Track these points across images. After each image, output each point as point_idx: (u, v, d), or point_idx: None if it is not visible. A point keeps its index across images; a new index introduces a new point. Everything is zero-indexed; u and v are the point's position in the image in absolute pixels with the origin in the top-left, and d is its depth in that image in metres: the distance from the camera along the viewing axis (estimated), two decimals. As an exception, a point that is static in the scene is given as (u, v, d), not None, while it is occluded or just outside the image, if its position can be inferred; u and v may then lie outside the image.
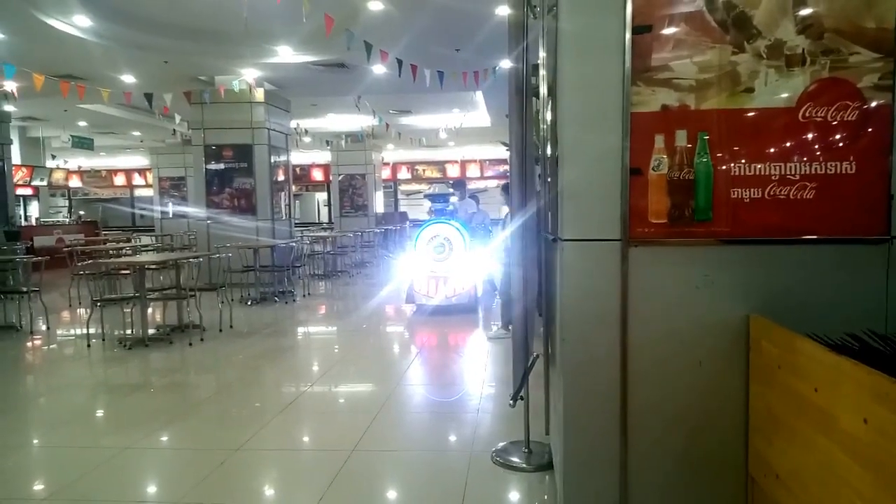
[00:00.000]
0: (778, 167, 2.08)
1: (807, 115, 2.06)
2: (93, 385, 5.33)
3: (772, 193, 2.09)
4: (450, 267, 7.90)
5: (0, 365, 5.78)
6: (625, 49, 2.12)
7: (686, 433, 2.23)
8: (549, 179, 2.70)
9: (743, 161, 2.10)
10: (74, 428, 4.15)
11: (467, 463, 3.34)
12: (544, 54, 2.79)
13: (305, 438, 4.03)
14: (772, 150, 2.09)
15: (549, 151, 2.66)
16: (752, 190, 2.10)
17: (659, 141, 2.13)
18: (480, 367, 5.53)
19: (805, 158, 2.07)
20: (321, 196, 25.06)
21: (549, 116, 2.69)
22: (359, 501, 3.01)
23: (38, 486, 3.28)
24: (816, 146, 2.06)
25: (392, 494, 3.17)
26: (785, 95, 2.07)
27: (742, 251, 2.15)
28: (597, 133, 2.19)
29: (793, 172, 2.08)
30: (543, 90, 2.82)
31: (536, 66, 3.06)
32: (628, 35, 2.11)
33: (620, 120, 2.15)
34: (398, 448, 3.74)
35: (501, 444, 3.50)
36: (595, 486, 2.30)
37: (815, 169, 2.07)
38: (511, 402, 3.10)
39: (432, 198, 9.15)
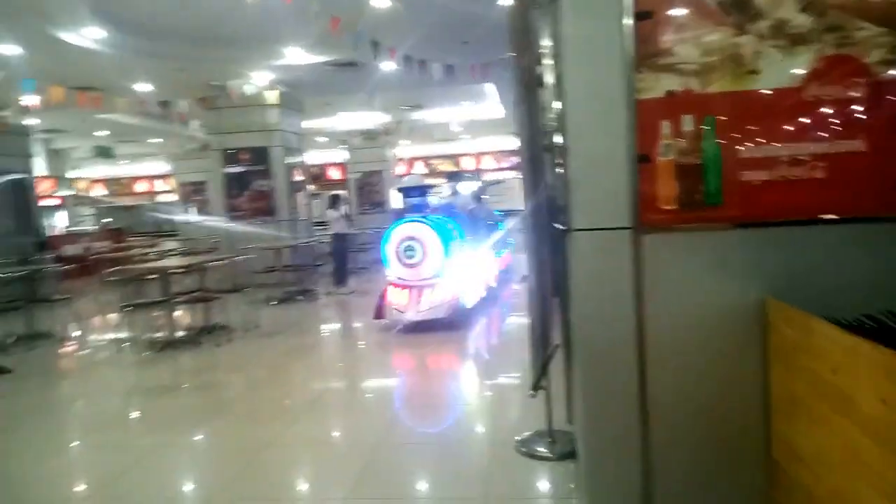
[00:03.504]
0: (787, 148, 2.06)
1: (814, 93, 2.03)
2: (126, 388, 5.47)
3: (782, 175, 2.07)
4: (422, 274, 6.59)
5: (37, 371, 5.95)
6: (627, 36, 2.11)
7: (707, 418, 2.22)
8: (558, 170, 2.70)
9: (751, 143, 2.08)
10: (110, 429, 4.27)
11: (491, 453, 3.37)
12: (549, 43, 2.79)
13: (333, 433, 4.09)
14: (780, 130, 2.06)
15: (557, 141, 2.66)
16: (762, 172, 2.07)
17: (665, 127, 2.12)
18: (500, 359, 5.56)
19: (815, 138, 2.04)
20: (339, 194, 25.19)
21: (556, 106, 2.69)
22: (386, 493, 3.06)
23: (79, 487, 3.40)
24: (825, 125, 2.04)
25: (417, 485, 3.21)
26: (791, 75, 2.03)
27: (755, 234, 2.13)
28: (603, 121, 2.18)
29: (803, 153, 2.05)
30: (550, 79, 2.81)
31: (542, 56, 3.05)
32: (630, 21, 2.10)
33: (626, 107, 2.14)
34: (422, 440, 3.79)
35: (525, 433, 3.52)
36: (617, 473, 2.31)
37: (826, 148, 2.04)
38: (531, 391, 3.12)
39: (406, 191, 7.55)
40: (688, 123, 2.10)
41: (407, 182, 7.70)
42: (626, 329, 2.22)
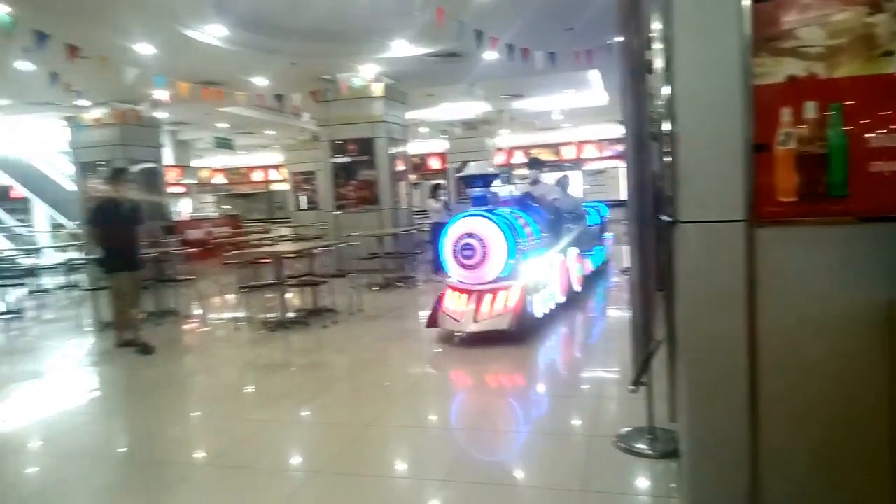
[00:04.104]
0: (926, 136, 1.89)
1: (961, 75, 1.85)
2: (242, 364, 5.88)
3: (918, 165, 1.91)
4: (483, 277, 5.67)
5: (163, 346, 6.50)
6: (745, 17, 2.01)
7: (824, 423, 2.10)
8: (666, 158, 2.62)
9: (882, 131, 1.92)
10: (228, 402, 4.62)
11: (588, 447, 3.34)
12: (659, 26, 2.69)
13: (431, 416, 4.21)
14: (917, 117, 1.90)
15: (665, 129, 2.58)
16: (893, 162, 1.92)
17: (786, 114, 2.01)
18: (600, 356, 5.46)
19: (958, 125, 1.86)
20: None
21: (665, 92, 2.60)
22: (482, 480, 3.11)
23: (197, 454, 3.71)
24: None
25: (514, 476, 3.24)
26: (933, 56, 1.87)
27: (883, 229, 1.97)
28: (716, 108, 2.10)
29: (943, 141, 1.88)
30: (659, 64, 2.72)
31: (651, 40, 2.96)
32: (748, 2, 2.00)
33: (741, 93, 2.05)
34: (519, 430, 3.81)
35: (625, 429, 3.46)
36: (723, 474, 2.23)
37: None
38: (632, 387, 3.05)
39: (468, 181, 6.34)
40: (811, 110, 1.98)
41: (468, 170, 6.44)
42: (736, 327, 2.13)
